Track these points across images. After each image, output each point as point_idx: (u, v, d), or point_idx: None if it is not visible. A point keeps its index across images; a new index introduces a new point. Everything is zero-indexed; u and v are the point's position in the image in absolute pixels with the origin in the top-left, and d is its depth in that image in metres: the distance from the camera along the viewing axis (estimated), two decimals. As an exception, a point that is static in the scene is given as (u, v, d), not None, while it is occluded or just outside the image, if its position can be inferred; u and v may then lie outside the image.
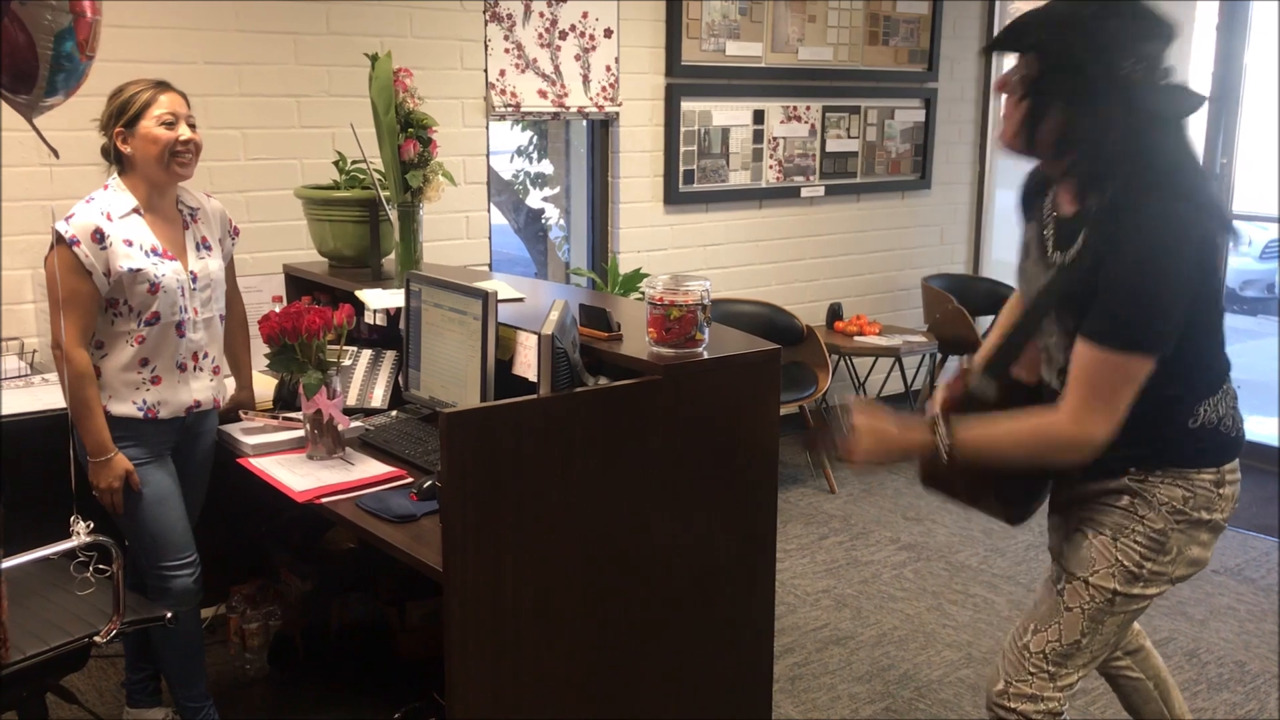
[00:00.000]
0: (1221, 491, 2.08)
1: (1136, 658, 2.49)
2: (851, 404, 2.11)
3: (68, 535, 2.40)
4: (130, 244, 2.59)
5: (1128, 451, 2.01)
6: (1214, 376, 2.08)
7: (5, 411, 2.99)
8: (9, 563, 2.24)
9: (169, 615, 2.56)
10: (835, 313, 5.57)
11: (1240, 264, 7.44)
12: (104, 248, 2.54)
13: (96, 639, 2.39)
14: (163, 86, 2.64)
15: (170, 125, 2.61)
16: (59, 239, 2.53)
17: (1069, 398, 1.94)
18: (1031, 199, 2.20)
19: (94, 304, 2.58)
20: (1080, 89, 1.91)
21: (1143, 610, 2.15)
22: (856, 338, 5.37)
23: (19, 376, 3.37)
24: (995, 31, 6.07)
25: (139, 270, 2.59)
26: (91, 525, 2.41)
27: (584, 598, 2.23)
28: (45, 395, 3.11)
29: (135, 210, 2.63)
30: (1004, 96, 2.02)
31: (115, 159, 2.65)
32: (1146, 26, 1.91)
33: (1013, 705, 2.13)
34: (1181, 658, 3.54)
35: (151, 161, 2.61)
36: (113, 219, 2.58)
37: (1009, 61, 2.02)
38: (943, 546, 4.40)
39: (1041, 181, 2.17)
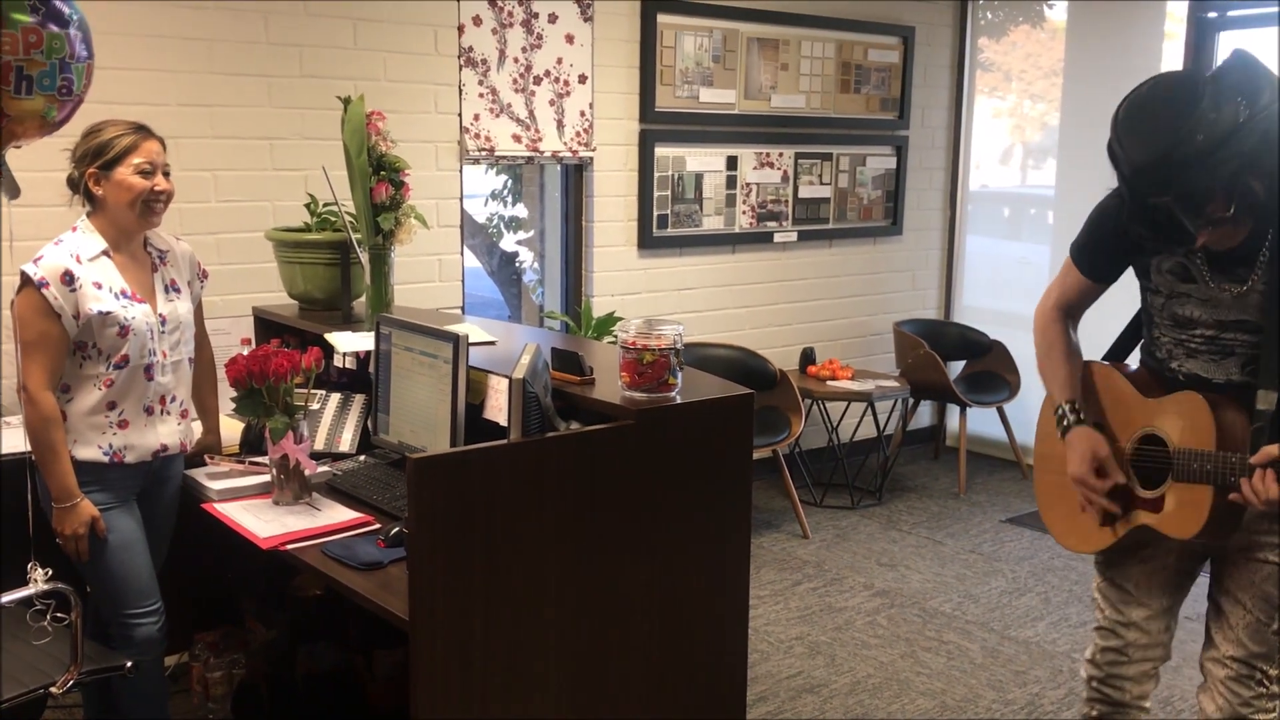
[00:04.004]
0: None
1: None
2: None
3: (25, 582, 2.36)
4: (100, 286, 2.56)
5: None
6: None
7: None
8: (-36, 611, 2.20)
9: (129, 664, 2.51)
10: (808, 357, 5.59)
11: None
12: (73, 290, 2.51)
13: (53, 689, 2.34)
14: (144, 132, 2.62)
15: (147, 174, 2.59)
16: (26, 281, 2.50)
17: None
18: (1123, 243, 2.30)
19: (63, 347, 2.54)
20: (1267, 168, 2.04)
21: None
22: (829, 382, 5.38)
23: (-19, 419, 3.31)
24: (966, 80, 6.17)
25: (109, 313, 2.55)
26: (50, 572, 2.37)
27: (554, 647, 2.19)
28: (6, 439, 3.06)
29: (104, 253, 2.60)
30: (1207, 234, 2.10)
31: (86, 197, 2.62)
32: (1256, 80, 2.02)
33: None
34: (1156, 705, 3.52)
35: (123, 207, 2.59)
36: (82, 261, 2.55)
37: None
38: (916, 593, 4.38)
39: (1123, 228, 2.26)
